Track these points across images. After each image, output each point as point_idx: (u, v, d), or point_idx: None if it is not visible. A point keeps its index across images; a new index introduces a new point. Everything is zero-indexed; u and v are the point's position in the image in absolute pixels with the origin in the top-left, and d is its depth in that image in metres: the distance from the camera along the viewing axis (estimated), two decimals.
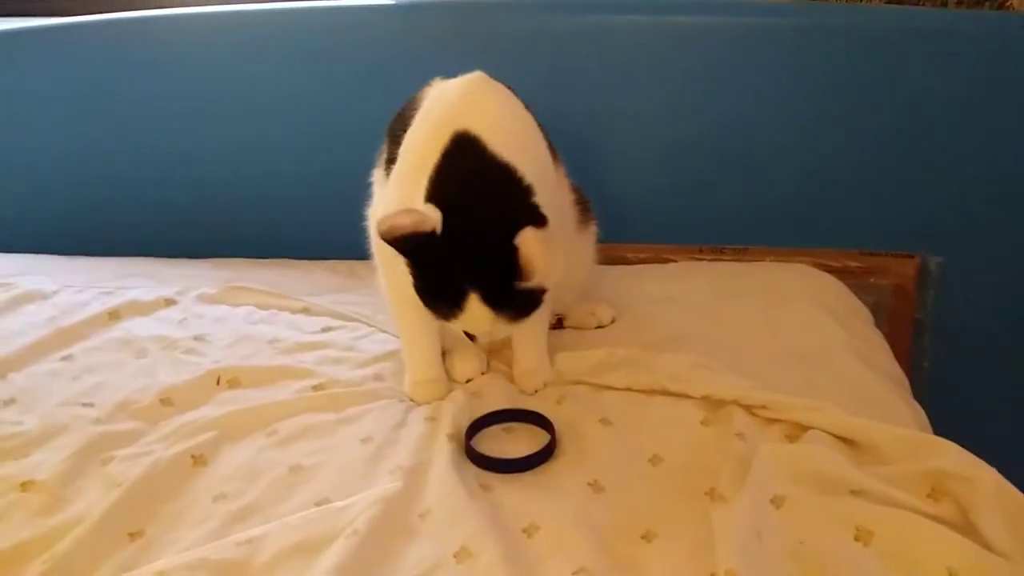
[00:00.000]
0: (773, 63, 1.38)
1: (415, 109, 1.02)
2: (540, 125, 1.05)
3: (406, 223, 0.89)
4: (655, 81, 1.42)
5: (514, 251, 0.88)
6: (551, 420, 0.98)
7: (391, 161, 1.03)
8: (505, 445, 0.98)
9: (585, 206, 1.18)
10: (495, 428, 1.01)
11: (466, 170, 0.94)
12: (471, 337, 1.02)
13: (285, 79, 1.51)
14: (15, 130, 1.64)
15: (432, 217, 0.90)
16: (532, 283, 0.90)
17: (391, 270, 1.07)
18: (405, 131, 1.01)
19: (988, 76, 1.33)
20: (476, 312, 0.91)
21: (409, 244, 0.90)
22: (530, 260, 0.88)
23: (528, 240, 0.88)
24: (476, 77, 1.02)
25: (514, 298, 0.91)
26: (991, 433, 0.98)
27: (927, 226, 1.41)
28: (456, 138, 0.94)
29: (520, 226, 0.89)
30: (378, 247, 1.09)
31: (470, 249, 0.90)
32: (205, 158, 1.58)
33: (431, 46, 1.44)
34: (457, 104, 0.99)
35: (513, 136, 0.98)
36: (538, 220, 0.91)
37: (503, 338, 1.11)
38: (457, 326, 0.95)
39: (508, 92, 1.03)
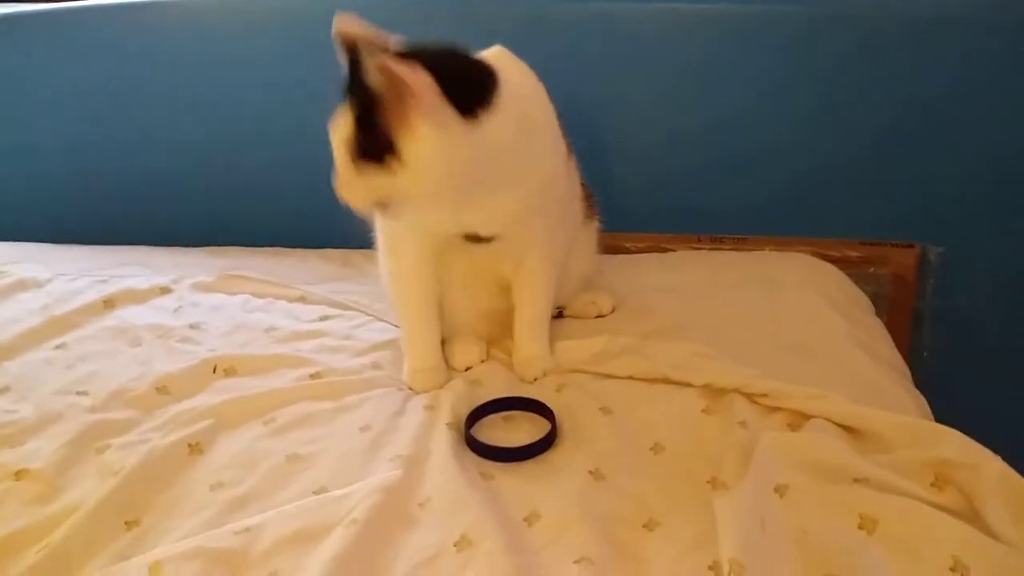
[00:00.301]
0: (774, 52, 1.38)
1: None
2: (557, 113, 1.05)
3: (362, 29, 0.87)
4: (656, 70, 1.42)
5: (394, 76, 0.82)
6: (552, 408, 0.98)
7: None
8: (505, 433, 0.97)
9: (590, 201, 1.18)
10: (495, 416, 1.00)
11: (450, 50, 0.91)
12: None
13: (283, 67, 1.49)
14: (10, 117, 1.63)
15: (389, 40, 0.88)
16: (392, 119, 0.84)
17: (395, 255, 1.07)
18: None
19: (988, 66, 1.32)
20: (342, 116, 0.88)
21: (351, 47, 0.87)
22: (396, 77, 0.81)
23: (417, 72, 0.81)
24: (498, 49, 0.99)
25: (375, 124, 0.85)
26: (990, 422, 0.98)
27: (927, 216, 1.41)
28: None
29: (440, 71, 0.83)
30: (384, 230, 1.08)
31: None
32: (200, 146, 1.57)
33: (433, 33, 1.43)
34: None
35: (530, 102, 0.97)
36: (465, 98, 0.85)
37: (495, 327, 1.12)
38: (332, 138, 0.90)
39: (530, 70, 1.01)
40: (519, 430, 0.98)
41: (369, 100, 0.85)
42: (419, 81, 0.82)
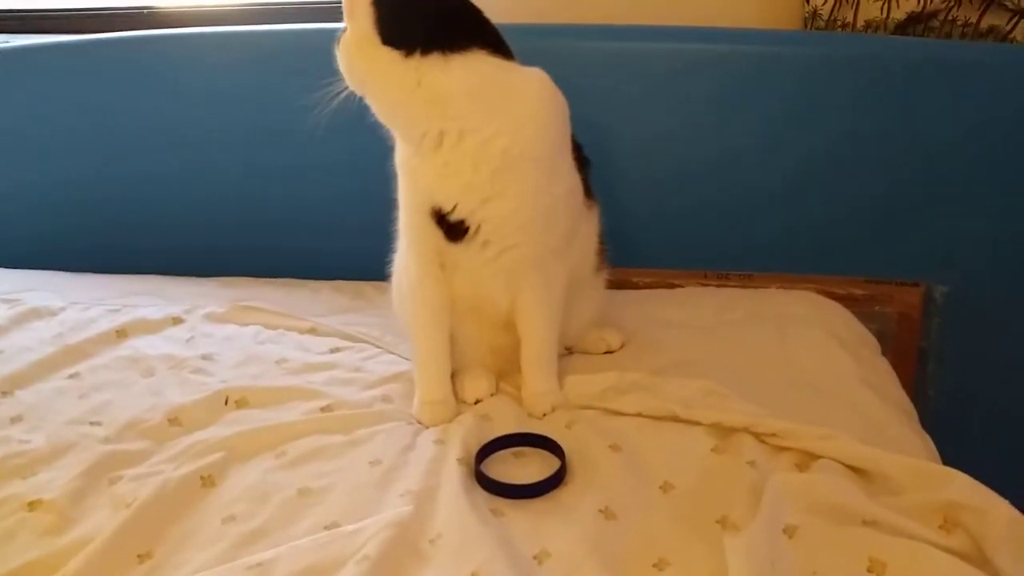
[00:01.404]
0: (781, 92, 1.40)
1: None
2: (583, 156, 1.10)
3: None
4: (663, 107, 1.43)
5: None
6: (561, 445, 0.98)
7: None
8: (515, 470, 0.98)
9: (603, 256, 1.21)
10: (505, 452, 1.01)
11: None
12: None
13: (296, 99, 1.51)
14: (23, 147, 1.65)
15: None
16: None
17: (413, 275, 1.08)
18: None
19: (993, 106, 1.34)
20: None
21: None
22: None
23: None
24: (537, 69, 1.03)
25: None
26: (996, 462, 0.99)
27: (932, 255, 1.42)
28: None
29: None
30: (400, 249, 1.11)
31: None
32: (212, 177, 1.59)
33: None
34: None
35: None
36: (400, 29, 0.96)
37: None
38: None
39: (558, 92, 1.04)
40: (529, 466, 0.98)
41: None
42: None
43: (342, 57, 1.00)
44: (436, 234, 1.03)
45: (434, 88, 0.96)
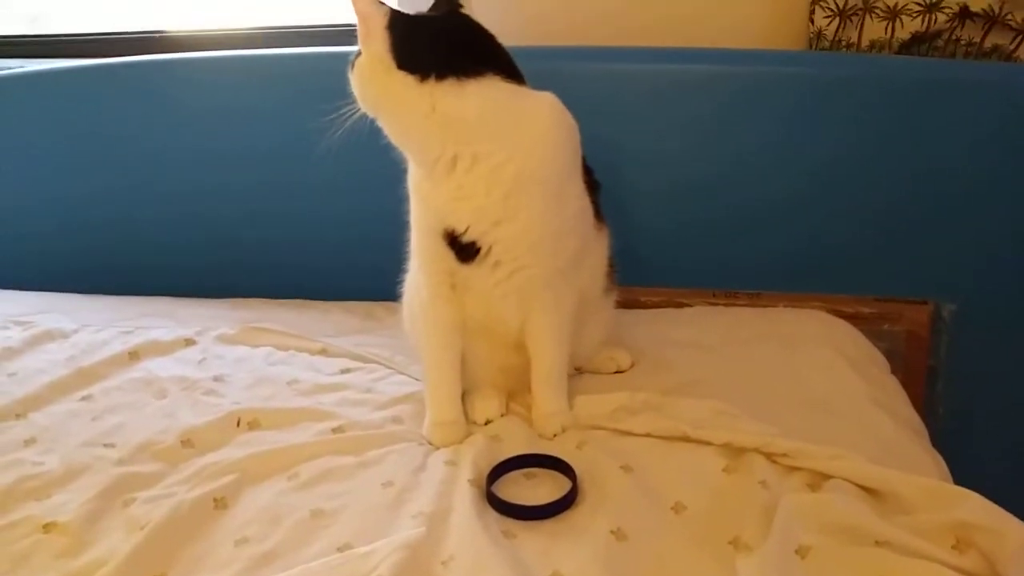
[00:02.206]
0: (786, 111, 1.41)
1: None
2: (593, 180, 1.11)
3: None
4: (669, 127, 1.44)
5: None
6: (572, 466, 0.99)
7: None
8: (526, 491, 0.98)
9: (612, 277, 1.21)
10: (516, 473, 1.01)
11: None
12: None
13: (305, 123, 1.53)
14: (36, 169, 1.67)
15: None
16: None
17: (425, 296, 1.09)
18: None
19: (998, 125, 1.35)
20: None
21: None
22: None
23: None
24: (549, 94, 1.04)
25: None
26: (1005, 481, 0.98)
27: (940, 273, 1.42)
28: None
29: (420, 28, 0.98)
30: (412, 271, 1.12)
31: None
32: (223, 199, 1.60)
33: None
34: None
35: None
36: (414, 54, 0.97)
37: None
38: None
39: (569, 116, 1.05)
40: (540, 487, 0.98)
41: None
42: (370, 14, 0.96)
43: (356, 80, 1.01)
44: (448, 255, 1.04)
45: (448, 113, 0.97)
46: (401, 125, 1.01)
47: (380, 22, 0.97)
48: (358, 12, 0.97)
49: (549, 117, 1.03)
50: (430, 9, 1.04)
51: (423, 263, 1.09)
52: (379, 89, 0.99)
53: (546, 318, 1.09)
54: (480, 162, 0.99)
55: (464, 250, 1.03)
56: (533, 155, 1.00)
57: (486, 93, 0.98)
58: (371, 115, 1.02)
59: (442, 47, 0.99)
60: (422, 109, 0.98)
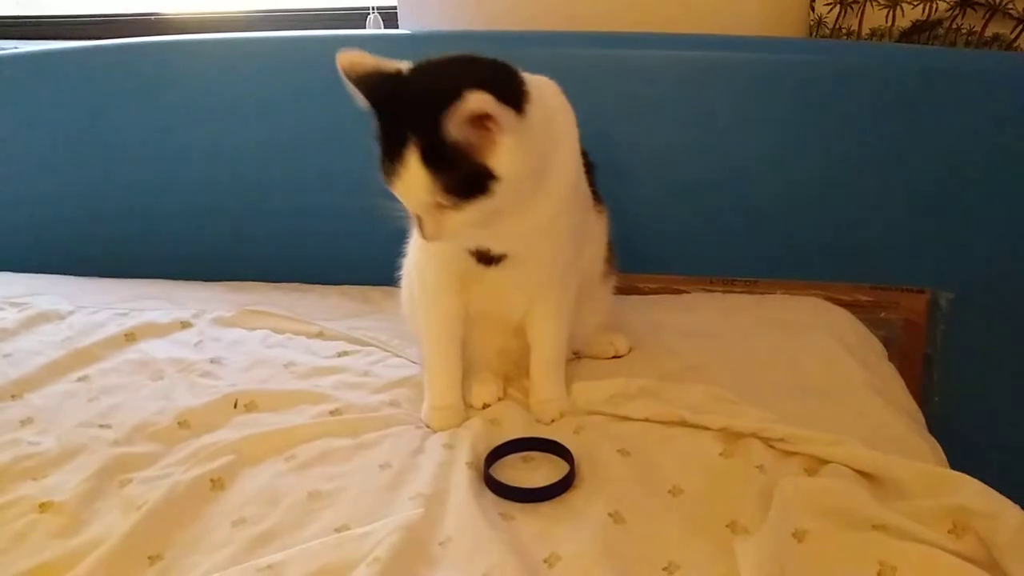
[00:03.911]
0: (785, 100, 1.40)
1: None
2: (588, 161, 1.08)
3: (369, 60, 0.89)
4: (667, 115, 1.44)
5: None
6: (570, 450, 0.99)
7: None
8: (524, 474, 0.98)
9: (611, 262, 1.20)
10: (513, 457, 1.01)
11: (466, 61, 0.93)
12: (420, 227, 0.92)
13: (301, 106, 1.52)
14: (32, 152, 1.66)
15: (400, 65, 0.90)
16: (483, 147, 0.85)
17: (422, 288, 1.08)
18: None
19: (998, 114, 1.35)
20: (412, 171, 0.86)
21: (367, 84, 0.88)
22: (469, 104, 0.81)
23: (482, 96, 0.82)
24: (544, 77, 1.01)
25: (455, 162, 0.86)
26: (1001, 468, 0.99)
27: (937, 261, 1.43)
28: None
29: (483, 86, 0.83)
30: (414, 259, 1.10)
31: (424, 95, 0.87)
32: (219, 182, 1.59)
33: None
34: None
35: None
36: (512, 97, 0.88)
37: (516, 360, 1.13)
38: (397, 192, 0.89)
39: (562, 93, 1.03)
40: (538, 471, 0.98)
41: (441, 146, 0.85)
42: (492, 104, 0.83)
43: (522, 164, 0.91)
44: (468, 260, 1.03)
45: (535, 128, 0.91)
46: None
47: (490, 100, 0.84)
48: (477, 120, 0.85)
49: None
50: (411, 71, 0.93)
51: (433, 259, 1.07)
52: (534, 149, 0.92)
53: (550, 307, 1.09)
54: None
55: (485, 257, 1.02)
56: None
57: None
58: None
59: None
60: None
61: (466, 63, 0.93)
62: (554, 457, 1.00)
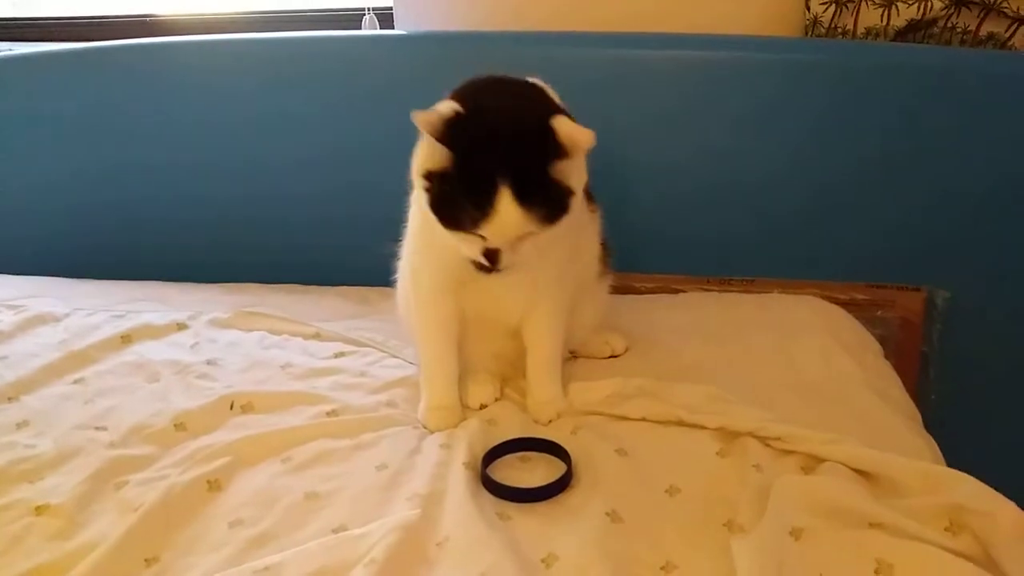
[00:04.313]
0: (780, 98, 1.40)
1: None
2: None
3: (434, 114, 0.89)
4: (663, 114, 1.44)
5: (549, 133, 0.88)
6: (567, 450, 0.98)
7: None
8: (522, 474, 0.98)
9: (607, 260, 1.20)
10: (511, 457, 1.01)
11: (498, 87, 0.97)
12: (489, 266, 0.94)
13: (298, 105, 1.52)
14: (27, 153, 1.65)
15: (449, 105, 0.91)
16: (568, 171, 0.90)
17: (418, 290, 1.08)
18: None
19: (993, 113, 1.35)
20: (506, 210, 0.87)
21: (448, 137, 0.88)
22: (570, 135, 0.88)
23: (564, 121, 0.89)
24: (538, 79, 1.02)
25: (547, 190, 0.90)
26: (998, 466, 0.99)
27: (934, 260, 1.43)
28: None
29: (552, 114, 0.90)
30: (410, 263, 1.10)
31: (509, 137, 0.90)
32: (215, 186, 1.59)
33: (443, 75, 1.46)
34: None
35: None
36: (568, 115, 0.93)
37: (515, 364, 1.12)
38: (487, 232, 0.90)
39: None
40: (535, 471, 0.98)
41: (534, 181, 0.89)
42: (593, 138, 0.89)
43: (584, 177, 0.97)
44: (465, 265, 1.01)
45: None
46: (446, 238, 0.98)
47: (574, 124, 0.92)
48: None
49: None
50: (472, 111, 0.93)
51: (429, 262, 1.07)
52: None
53: (546, 309, 1.09)
54: None
55: (491, 262, 0.99)
56: None
57: None
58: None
59: None
60: None
61: (518, 91, 0.97)
62: (551, 457, 1.00)
